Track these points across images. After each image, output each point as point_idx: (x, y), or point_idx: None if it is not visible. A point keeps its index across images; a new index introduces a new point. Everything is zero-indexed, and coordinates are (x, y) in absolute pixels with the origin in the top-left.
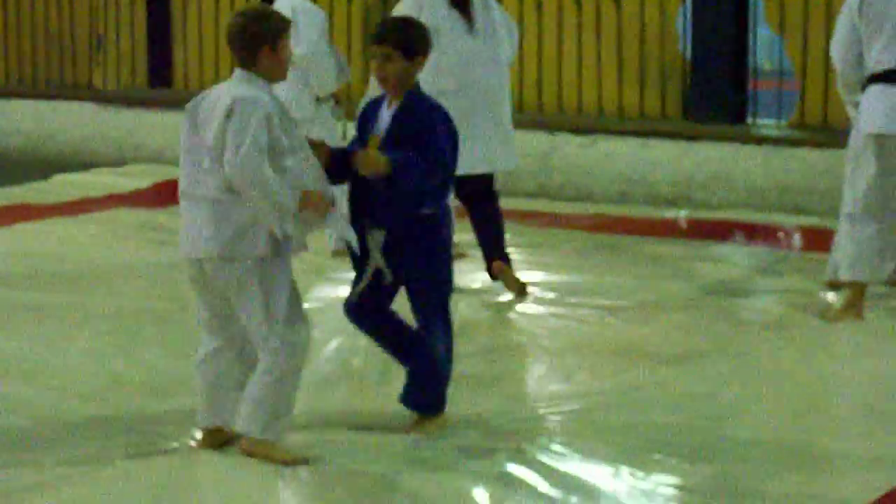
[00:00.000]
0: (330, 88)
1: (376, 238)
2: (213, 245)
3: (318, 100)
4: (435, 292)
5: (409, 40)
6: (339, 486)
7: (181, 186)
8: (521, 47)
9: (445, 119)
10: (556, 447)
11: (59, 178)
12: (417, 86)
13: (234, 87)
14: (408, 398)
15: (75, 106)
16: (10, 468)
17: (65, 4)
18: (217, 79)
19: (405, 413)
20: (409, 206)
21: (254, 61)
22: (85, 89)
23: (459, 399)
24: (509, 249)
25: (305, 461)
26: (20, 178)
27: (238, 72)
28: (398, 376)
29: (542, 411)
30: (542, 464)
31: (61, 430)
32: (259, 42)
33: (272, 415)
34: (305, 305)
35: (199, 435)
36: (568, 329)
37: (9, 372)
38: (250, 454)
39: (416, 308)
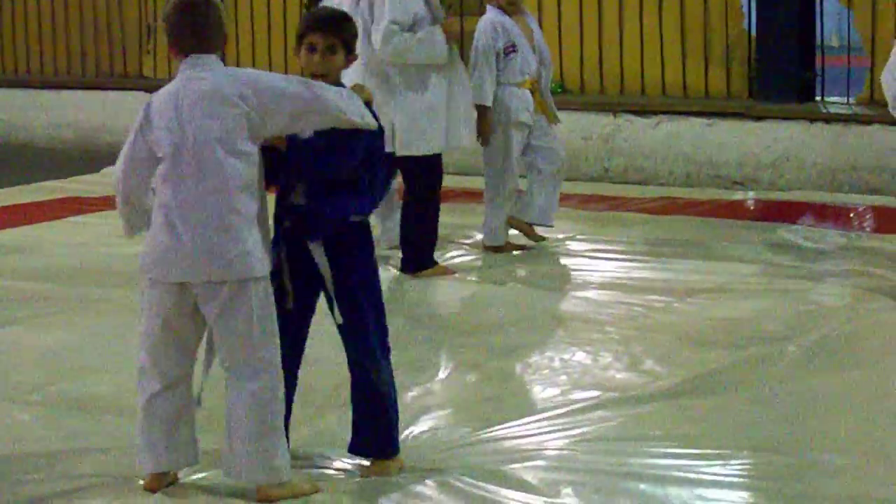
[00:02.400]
0: None
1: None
2: (220, 266)
3: None
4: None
5: (353, 36)
6: None
7: (168, 199)
8: (580, 29)
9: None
10: (626, 435)
11: (109, 171)
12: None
13: (220, 69)
14: (360, 445)
15: (126, 96)
16: (71, 459)
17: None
18: (270, 65)
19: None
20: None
21: (221, 46)
22: (135, 79)
23: (532, 388)
24: (573, 234)
25: (317, 490)
26: (71, 170)
27: (199, 58)
28: None
29: (609, 399)
30: (612, 451)
31: (119, 424)
32: (222, 25)
33: (273, 453)
34: None
35: (146, 480)
36: (636, 316)
37: (63, 367)
38: (269, 502)
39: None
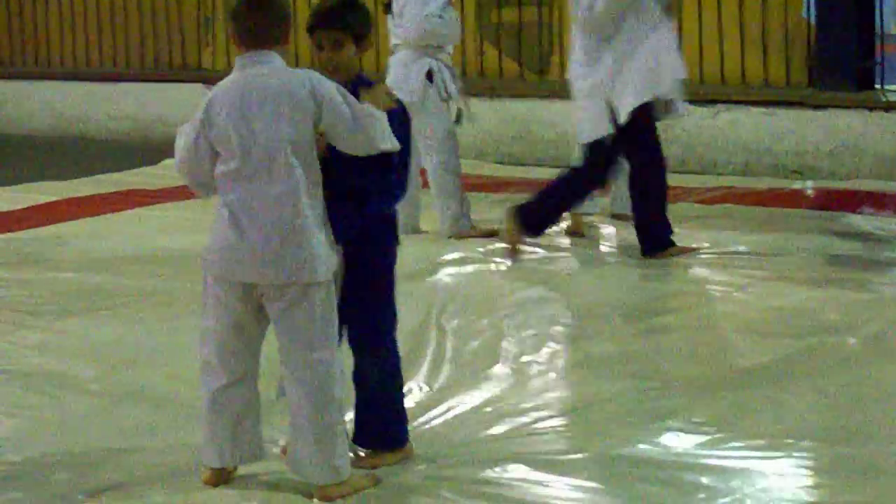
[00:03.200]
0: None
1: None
2: (288, 270)
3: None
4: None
5: (361, 24)
6: None
7: (235, 198)
8: None
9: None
10: (687, 425)
11: (168, 163)
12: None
13: (286, 68)
14: (359, 436)
15: (184, 88)
16: (128, 451)
17: None
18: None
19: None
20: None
21: (285, 40)
22: (193, 71)
23: (591, 377)
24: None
25: (379, 480)
26: (129, 162)
27: (261, 54)
28: None
29: (670, 388)
30: (672, 442)
31: (175, 417)
32: (289, 20)
33: (332, 453)
34: None
35: (205, 474)
36: (695, 305)
37: (120, 358)
38: (330, 500)
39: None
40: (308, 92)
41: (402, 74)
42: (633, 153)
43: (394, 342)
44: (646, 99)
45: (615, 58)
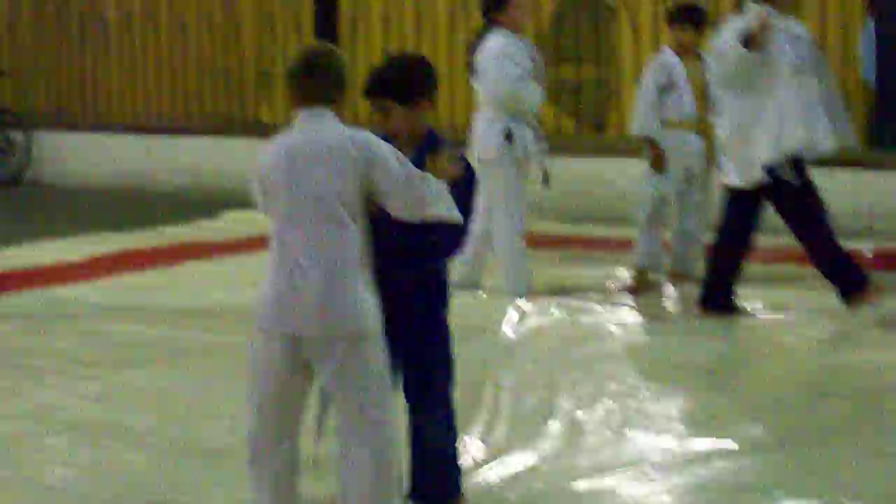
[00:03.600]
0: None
1: None
2: (335, 319)
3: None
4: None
5: (411, 89)
6: None
7: (284, 252)
8: None
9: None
10: (743, 484)
11: (227, 216)
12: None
13: (341, 125)
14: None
15: (242, 142)
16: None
17: (231, 40)
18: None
19: None
20: (423, 259)
21: (341, 99)
22: (252, 124)
23: (646, 436)
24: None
25: None
26: (188, 215)
27: (319, 110)
28: None
29: (725, 448)
30: (728, 501)
31: (229, 471)
32: (343, 83)
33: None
34: None
35: None
36: (754, 362)
37: (176, 411)
38: None
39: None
40: (357, 149)
41: (480, 132)
42: (780, 208)
43: (448, 396)
44: (773, 157)
45: (743, 112)
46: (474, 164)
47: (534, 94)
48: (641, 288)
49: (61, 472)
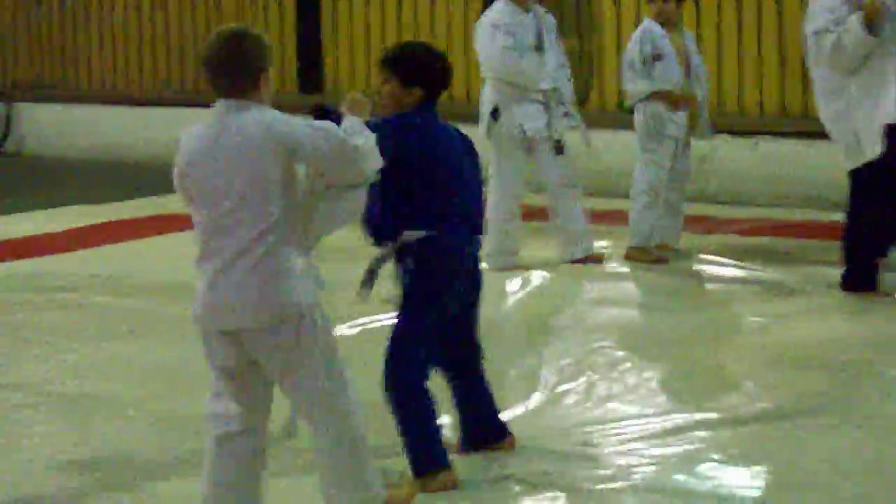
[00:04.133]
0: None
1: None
2: (263, 309)
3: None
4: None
5: (409, 67)
6: None
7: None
8: None
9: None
10: (723, 456)
11: None
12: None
13: (258, 116)
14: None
15: None
16: (170, 479)
17: (212, 12)
18: (368, 84)
19: None
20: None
21: (255, 86)
22: None
23: (628, 408)
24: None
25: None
26: (166, 186)
27: (234, 102)
28: None
29: (706, 419)
30: (708, 473)
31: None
32: (260, 66)
33: (366, 486)
34: None
35: None
36: (732, 336)
37: (160, 383)
38: None
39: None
40: (276, 140)
41: (482, 109)
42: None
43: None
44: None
45: (858, 88)
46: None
47: (530, 68)
48: (645, 260)
49: (47, 444)
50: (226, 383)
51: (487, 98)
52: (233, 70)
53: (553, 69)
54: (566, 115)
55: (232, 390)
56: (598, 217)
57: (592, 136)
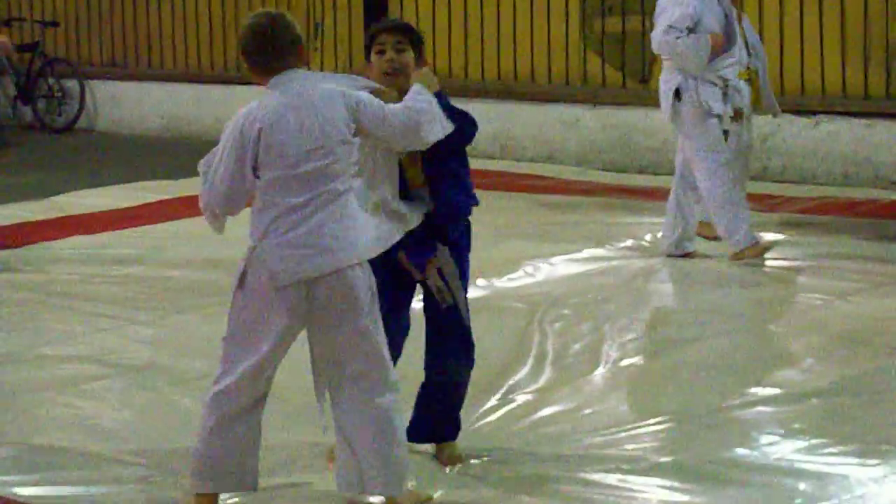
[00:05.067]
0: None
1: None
2: (342, 251)
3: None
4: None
5: (420, 41)
6: None
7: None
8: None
9: None
10: (784, 431)
11: None
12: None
13: (323, 80)
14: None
15: None
16: None
17: None
18: (434, 63)
19: None
20: None
21: (300, 57)
22: None
23: (689, 385)
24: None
25: (430, 498)
26: None
27: (293, 73)
28: None
29: (767, 395)
30: (770, 447)
31: (281, 413)
32: (301, 39)
33: (403, 465)
34: None
35: (187, 499)
36: (797, 314)
37: None
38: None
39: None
40: (346, 97)
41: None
42: None
43: None
44: None
45: None
46: None
47: (695, 48)
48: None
49: (116, 414)
50: (270, 349)
51: (665, 78)
52: (284, 45)
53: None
54: None
55: (268, 363)
56: (659, 194)
57: (653, 115)
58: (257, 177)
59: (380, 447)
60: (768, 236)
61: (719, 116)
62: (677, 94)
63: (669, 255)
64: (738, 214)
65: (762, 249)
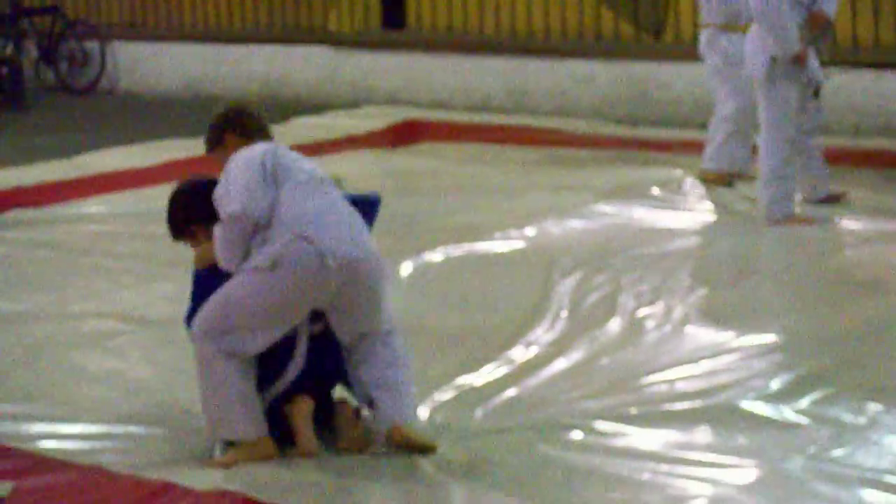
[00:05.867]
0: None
1: None
2: (365, 247)
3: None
4: None
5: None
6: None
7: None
8: None
9: None
10: (796, 380)
11: (295, 122)
12: None
13: None
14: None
15: (311, 49)
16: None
17: None
18: (450, 20)
19: None
20: None
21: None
22: (319, 33)
23: (719, 329)
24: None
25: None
26: None
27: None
28: None
29: (787, 343)
30: (778, 395)
31: None
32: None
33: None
34: None
35: (244, 451)
36: (809, 262)
37: None
38: (408, 438)
39: None
40: None
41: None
42: None
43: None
44: None
45: None
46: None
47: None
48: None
49: (140, 370)
50: (284, 327)
51: (753, 41)
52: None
53: None
54: None
55: (283, 332)
56: (673, 146)
57: (666, 68)
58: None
59: (403, 382)
60: None
61: (813, 85)
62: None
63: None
64: (785, 190)
65: (799, 221)
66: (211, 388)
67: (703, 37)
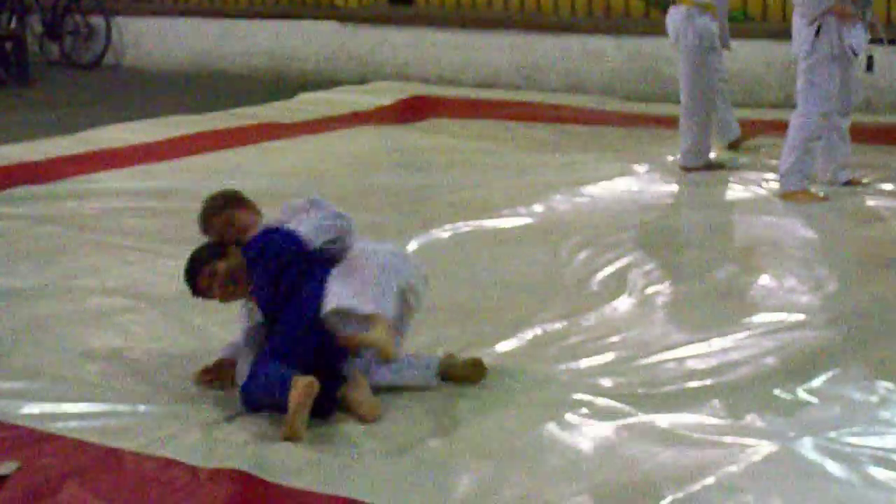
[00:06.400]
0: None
1: None
2: None
3: None
4: None
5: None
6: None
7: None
8: None
9: None
10: (807, 357)
11: (302, 97)
12: None
13: None
14: None
15: (317, 25)
16: None
17: None
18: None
19: None
20: None
21: None
22: (327, 8)
23: (728, 307)
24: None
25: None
26: (264, 97)
27: None
28: None
29: (797, 320)
30: (793, 373)
31: None
32: None
33: None
34: None
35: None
36: (816, 239)
37: None
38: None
39: None
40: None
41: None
42: None
43: None
44: None
45: None
46: None
47: None
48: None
49: (146, 347)
50: None
51: (801, 18)
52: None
53: None
54: None
55: None
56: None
57: None
58: None
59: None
60: None
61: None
62: (818, 32)
63: (844, 184)
64: (805, 162)
65: (812, 197)
66: None
67: (677, 13)
